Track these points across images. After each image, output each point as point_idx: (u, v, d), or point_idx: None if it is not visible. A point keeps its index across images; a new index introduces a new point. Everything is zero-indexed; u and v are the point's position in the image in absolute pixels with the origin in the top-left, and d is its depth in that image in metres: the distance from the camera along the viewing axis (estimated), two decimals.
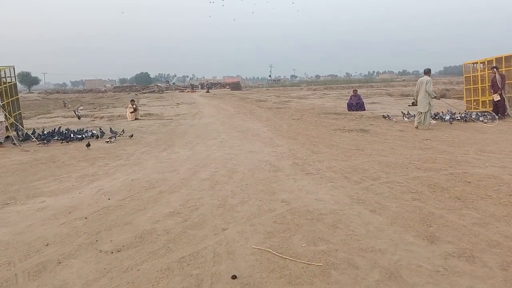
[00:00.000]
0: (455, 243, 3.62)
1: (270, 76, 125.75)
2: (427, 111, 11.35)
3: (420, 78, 11.93)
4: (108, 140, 10.94)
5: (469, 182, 5.60)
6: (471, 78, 15.38)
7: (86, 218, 4.71)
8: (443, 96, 15.75)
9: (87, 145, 10.01)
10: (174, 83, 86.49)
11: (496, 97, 13.04)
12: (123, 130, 12.45)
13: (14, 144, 10.66)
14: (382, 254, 3.45)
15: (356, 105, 17.92)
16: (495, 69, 13.11)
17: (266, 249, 3.62)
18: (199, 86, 77.37)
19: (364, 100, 19.04)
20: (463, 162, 6.86)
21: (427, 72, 11.90)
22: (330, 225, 4.19)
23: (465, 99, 15.89)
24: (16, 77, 13.67)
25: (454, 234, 3.83)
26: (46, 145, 10.53)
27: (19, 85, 14.07)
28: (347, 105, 18.46)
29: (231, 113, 19.37)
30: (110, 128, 12.48)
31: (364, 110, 17.48)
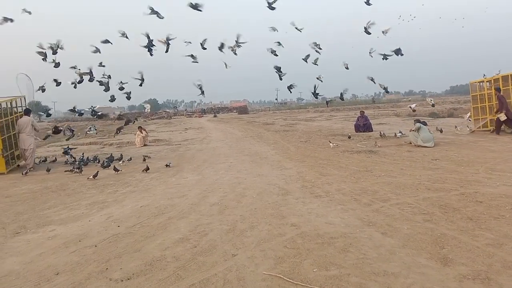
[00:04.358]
0: (469, 265, 3.56)
1: (276, 99, 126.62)
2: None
3: (419, 124, 12.46)
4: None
5: (480, 202, 5.53)
6: (478, 96, 15.36)
7: (96, 246, 4.71)
8: (450, 115, 15.76)
9: (94, 175, 9.56)
10: (186, 110, 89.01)
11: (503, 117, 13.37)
12: (130, 158, 12.52)
13: (26, 173, 10.77)
14: (395, 277, 3.40)
15: (363, 126, 17.91)
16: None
17: (277, 275, 3.58)
18: (204, 111, 78.06)
19: (371, 121, 19.06)
20: (474, 182, 6.79)
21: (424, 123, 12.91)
22: (341, 249, 4.14)
23: (473, 118, 15.83)
24: (26, 107, 13.91)
25: (467, 256, 3.76)
26: (79, 172, 10.33)
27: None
28: (355, 126, 18.45)
29: (238, 137, 19.44)
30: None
31: (372, 131, 17.45)
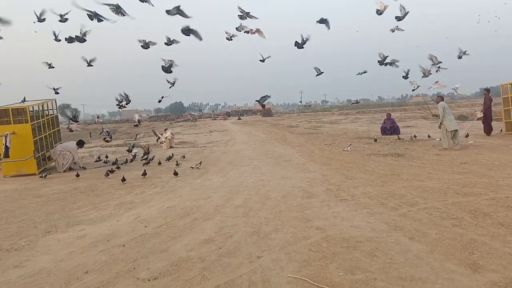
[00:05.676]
0: (501, 272, 3.46)
1: (301, 101, 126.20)
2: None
3: (443, 103, 12.24)
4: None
5: None
6: (510, 99, 14.91)
7: (123, 245, 4.81)
8: (480, 119, 15.40)
9: (122, 179, 9.50)
10: (213, 111, 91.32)
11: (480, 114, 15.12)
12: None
13: (43, 176, 10.88)
14: (422, 283, 3.34)
15: (390, 128, 17.63)
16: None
17: (302, 278, 3.57)
18: (228, 113, 78.71)
19: (398, 124, 18.72)
20: (505, 186, 6.59)
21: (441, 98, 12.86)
22: (368, 253, 4.09)
23: (504, 120, 15.38)
24: (57, 109, 14.40)
25: (498, 262, 3.66)
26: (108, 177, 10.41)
27: (60, 117, 15.02)
28: (381, 129, 18.18)
29: (262, 140, 19.45)
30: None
31: (399, 133, 17.13)
